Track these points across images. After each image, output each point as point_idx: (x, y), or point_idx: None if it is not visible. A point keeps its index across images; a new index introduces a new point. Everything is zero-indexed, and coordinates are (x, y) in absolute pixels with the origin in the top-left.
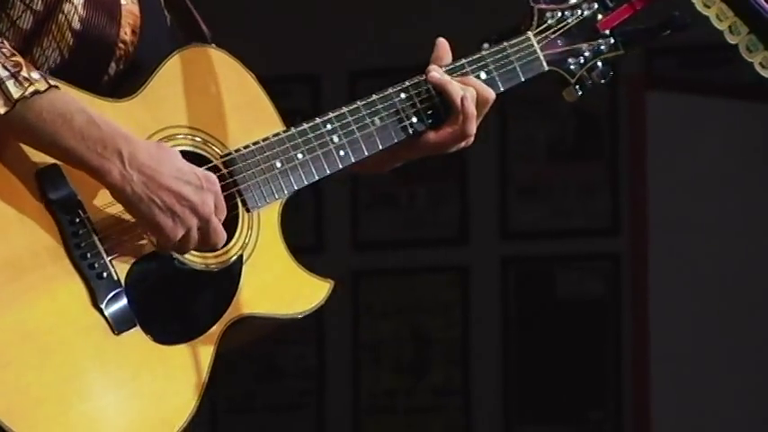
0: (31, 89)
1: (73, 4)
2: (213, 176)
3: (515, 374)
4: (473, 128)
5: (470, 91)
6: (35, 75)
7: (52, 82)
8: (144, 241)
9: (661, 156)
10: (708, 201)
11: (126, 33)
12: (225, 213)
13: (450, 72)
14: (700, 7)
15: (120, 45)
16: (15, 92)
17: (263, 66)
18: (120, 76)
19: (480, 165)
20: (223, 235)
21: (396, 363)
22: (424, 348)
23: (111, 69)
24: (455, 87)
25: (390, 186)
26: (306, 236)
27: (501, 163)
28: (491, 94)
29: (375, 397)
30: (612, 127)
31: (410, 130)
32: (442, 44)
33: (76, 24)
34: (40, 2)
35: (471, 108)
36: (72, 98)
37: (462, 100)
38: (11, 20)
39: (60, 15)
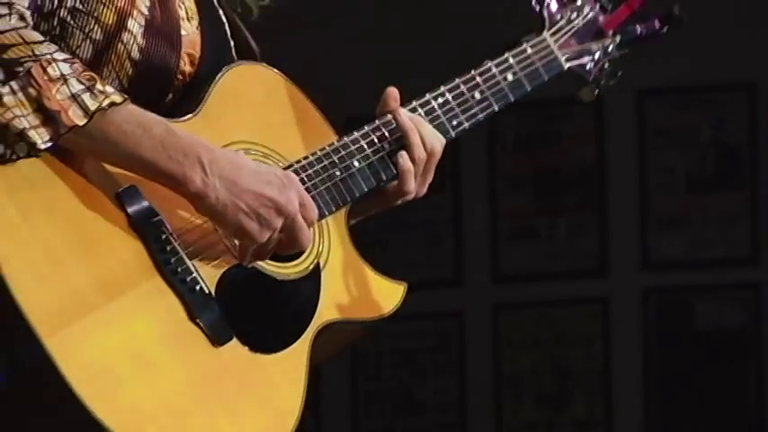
0: (107, 101)
1: (132, 33)
2: (293, 175)
3: (657, 406)
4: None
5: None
6: (109, 88)
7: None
8: (227, 254)
9: None
10: None
11: (185, 63)
12: (316, 211)
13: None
14: None
15: (179, 76)
16: (92, 104)
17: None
18: (174, 104)
19: (620, 196)
20: (309, 234)
21: (537, 395)
22: (564, 380)
23: (167, 99)
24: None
25: (530, 218)
26: (446, 269)
27: (641, 194)
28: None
29: (516, 430)
30: (752, 156)
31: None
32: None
33: (136, 54)
34: (99, 31)
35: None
36: (146, 110)
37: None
38: (71, 49)
39: (120, 45)
